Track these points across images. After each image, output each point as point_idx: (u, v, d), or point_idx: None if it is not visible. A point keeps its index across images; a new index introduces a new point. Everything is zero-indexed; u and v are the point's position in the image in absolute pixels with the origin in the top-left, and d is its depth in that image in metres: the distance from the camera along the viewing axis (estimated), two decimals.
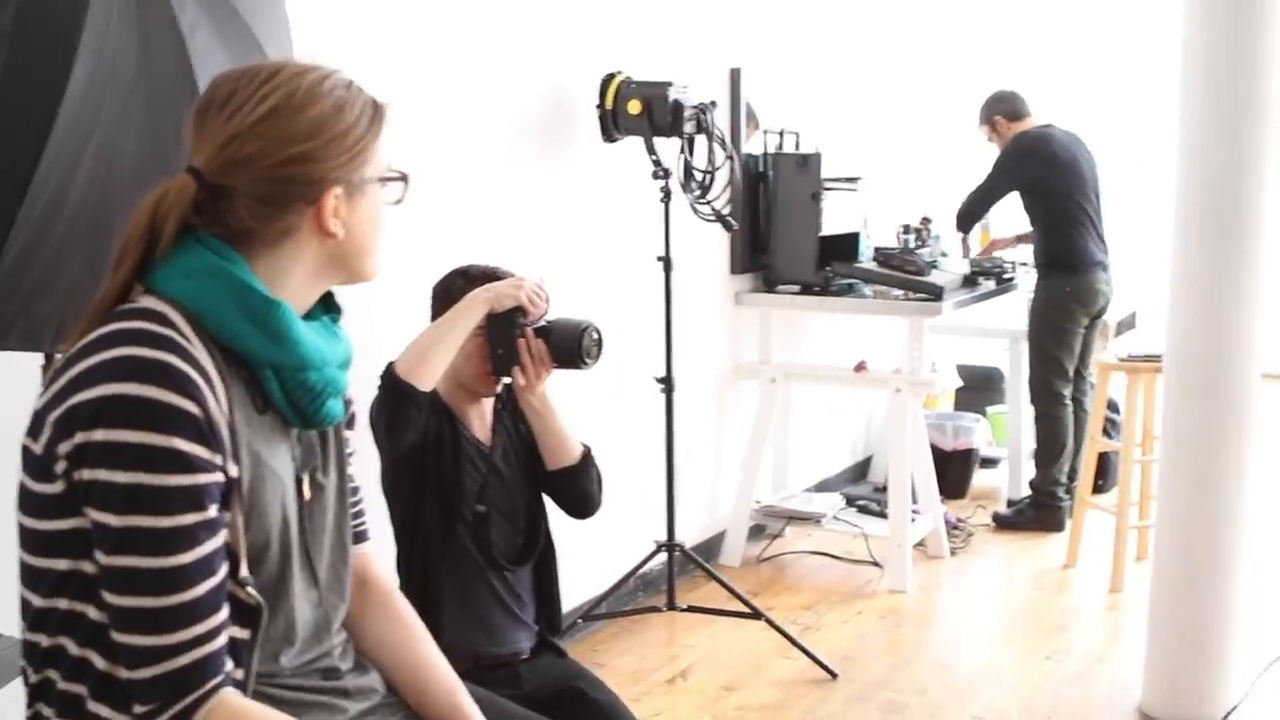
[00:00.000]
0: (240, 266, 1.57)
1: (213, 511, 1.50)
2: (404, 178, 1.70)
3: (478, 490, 2.74)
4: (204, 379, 1.50)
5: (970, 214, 5.81)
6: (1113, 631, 4.58)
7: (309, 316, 1.68)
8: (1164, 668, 3.79)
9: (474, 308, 2.62)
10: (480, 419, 2.82)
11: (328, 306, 1.74)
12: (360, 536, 1.87)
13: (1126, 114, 8.11)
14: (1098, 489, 5.47)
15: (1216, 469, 3.61)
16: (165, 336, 1.50)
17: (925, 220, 5.97)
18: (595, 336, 2.71)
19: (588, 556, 4.09)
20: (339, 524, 1.78)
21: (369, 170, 1.64)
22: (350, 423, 1.84)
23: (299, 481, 1.69)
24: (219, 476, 1.51)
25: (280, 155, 1.55)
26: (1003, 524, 5.73)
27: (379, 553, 1.95)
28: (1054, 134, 5.67)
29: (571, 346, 2.69)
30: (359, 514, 1.87)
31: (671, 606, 4.24)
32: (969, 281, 5.49)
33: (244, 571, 1.56)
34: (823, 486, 5.84)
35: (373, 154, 1.64)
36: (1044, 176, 5.60)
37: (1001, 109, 5.79)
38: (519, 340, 2.67)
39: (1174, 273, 3.65)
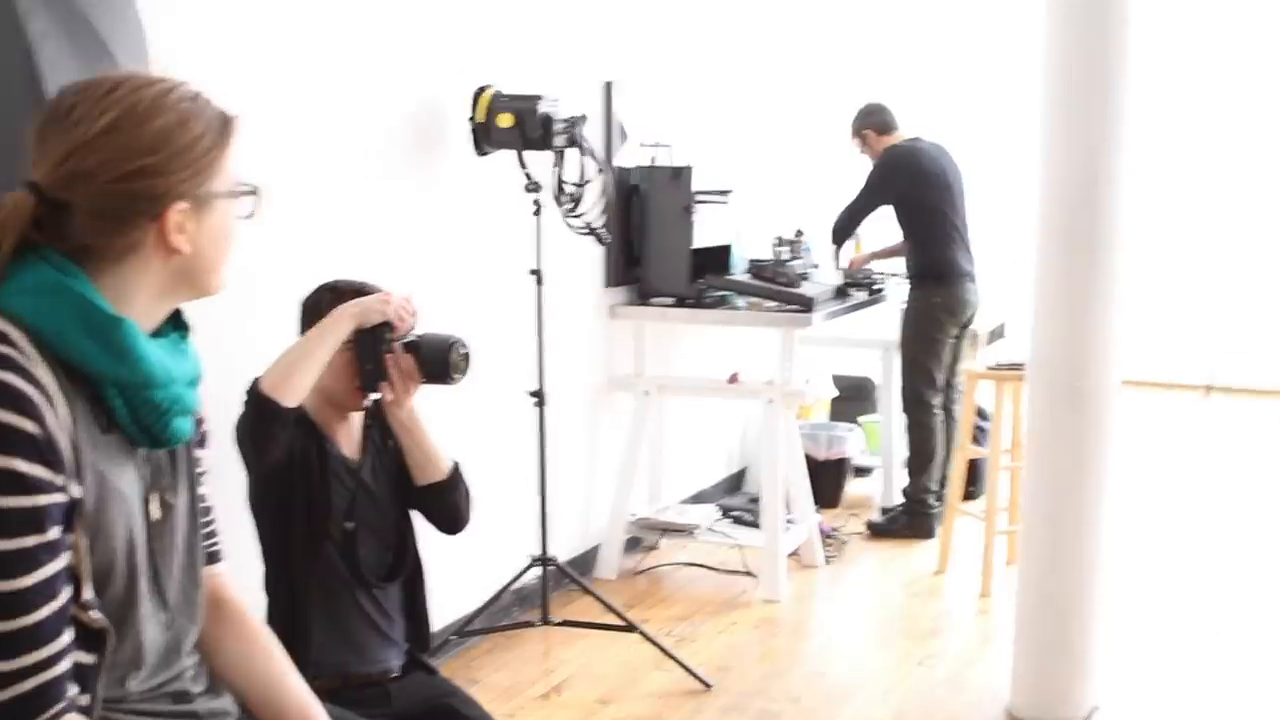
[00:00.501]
0: (82, 283, 1.53)
1: (54, 533, 1.46)
2: (254, 192, 1.67)
3: (346, 507, 2.70)
4: (45, 398, 1.46)
5: (844, 228, 5.89)
6: (982, 636, 4.66)
7: (158, 333, 1.64)
8: (1030, 670, 3.86)
9: (341, 323, 2.59)
10: (348, 435, 2.79)
11: (176, 323, 1.70)
12: (213, 557, 1.84)
13: (993, 126, 8.29)
14: (969, 496, 5.57)
15: (1079, 474, 3.69)
16: (3, 355, 1.46)
17: (799, 233, 6.04)
18: (463, 351, 2.69)
19: (462, 572, 4.07)
20: (190, 545, 1.74)
21: (216, 184, 1.60)
22: (202, 441, 1.80)
23: (146, 502, 1.65)
24: (60, 498, 1.47)
25: (122, 169, 1.52)
26: (876, 532, 5.80)
27: (233, 573, 1.91)
28: (921, 147, 5.78)
29: (439, 362, 2.68)
30: (211, 534, 1.83)
31: (546, 621, 4.22)
32: (840, 293, 5.56)
33: (88, 594, 1.52)
34: (699, 498, 5.87)
35: (220, 168, 1.60)
36: (912, 190, 5.70)
37: (871, 122, 5.88)
38: (386, 356, 2.65)
39: (1036, 283, 3.73)
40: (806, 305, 4.99)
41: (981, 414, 5.80)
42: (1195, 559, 5.56)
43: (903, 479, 5.94)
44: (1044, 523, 3.75)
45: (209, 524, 1.83)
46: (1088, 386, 3.64)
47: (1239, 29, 9.14)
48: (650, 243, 5.13)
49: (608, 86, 5.04)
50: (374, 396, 2.71)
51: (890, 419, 6.23)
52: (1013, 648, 3.90)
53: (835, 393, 6.83)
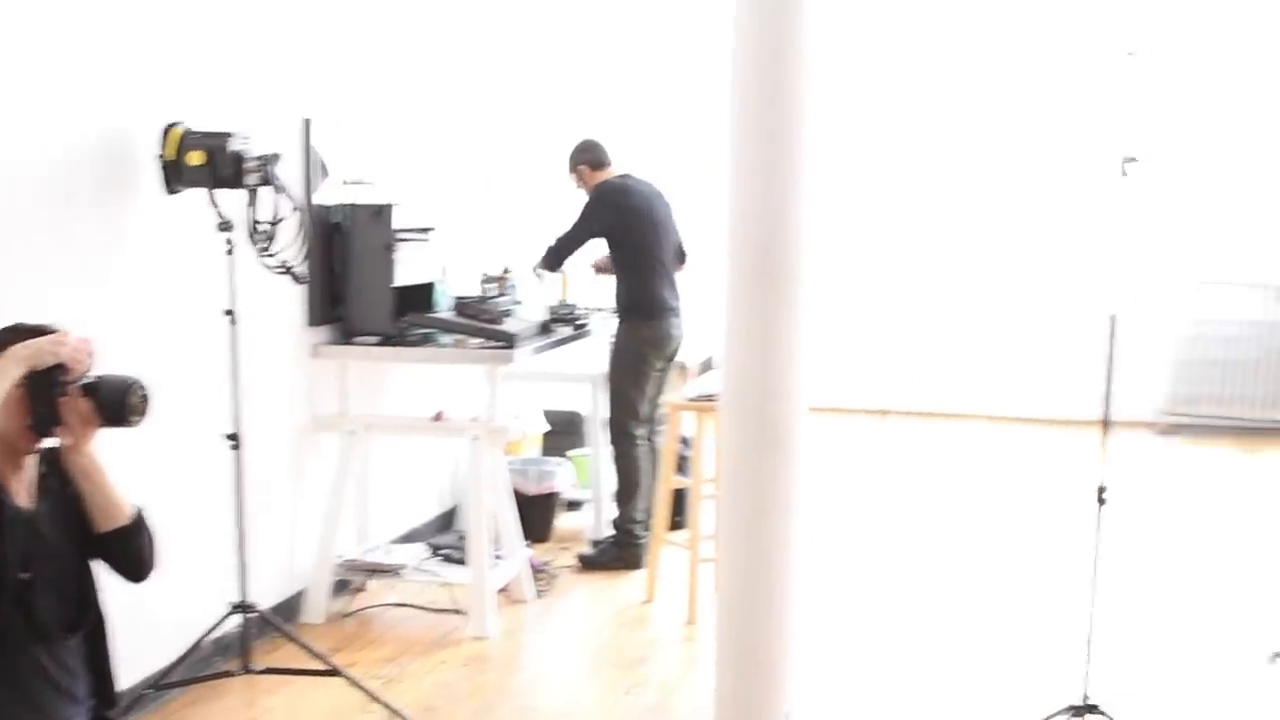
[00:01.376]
0: None
1: None
2: None
3: (20, 557, 2.59)
4: None
5: (556, 255, 5.96)
6: (688, 661, 4.77)
7: None
8: (732, 693, 3.95)
9: (9, 366, 2.50)
10: (21, 481, 2.68)
11: None
12: None
13: (699, 163, 8.54)
14: (675, 526, 5.70)
15: (770, 499, 3.81)
16: None
17: (506, 270, 6.08)
18: (141, 393, 2.63)
19: (159, 623, 3.95)
20: None
21: None
22: None
23: None
24: None
25: None
26: (587, 564, 5.87)
27: None
28: (630, 184, 5.93)
29: (117, 404, 2.61)
30: None
31: (248, 670, 4.12)
32: (545, 328, 5.62)
33: None
34: (410, 537, 5.82)
35: None
36: (620, 225, 5.84)
37: (586, 158, 6.02)
38: (61, 399, 2.56)
39: (727, 316, 3.84)
40: (509, 341, 5.03)
41: (687, 444, 5.94)
42: (880, 571, 5.86)
43: (613, 511, 6.03)
44: (739, 548, 3.86)
45: None
46: (777, 414, 3.77)
47: (911, 73, 9.76)
48: (352, 281, 5.09)
49: (306, 123, 4.98)
50: (50, 441, 2.62)
51: (599, 452, 6.32)
52: (715, 672, 4.01)
53: (546, 427, 6.90)
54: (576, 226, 5.93)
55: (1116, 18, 9.11)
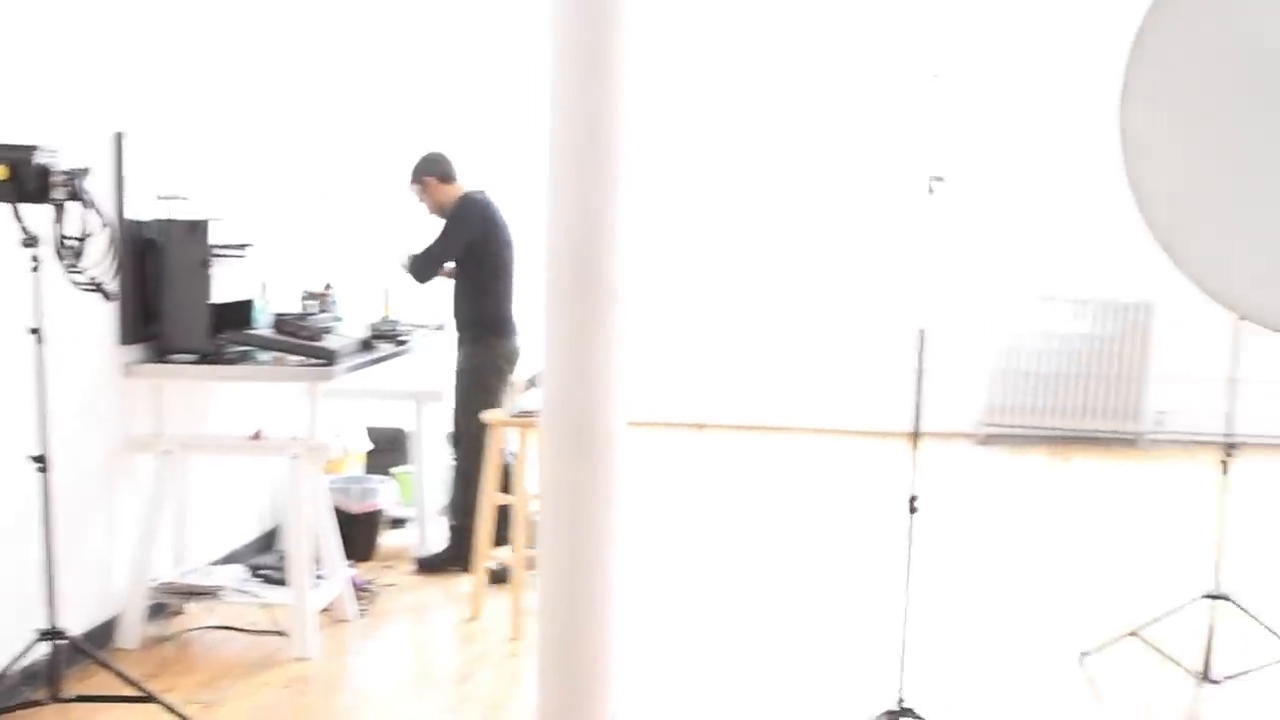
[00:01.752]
0: None
1: None
2: None
3: None
4: None
5: (425, 270, 5.93)
6: (513, 677, 4.76)
7: None
8: (555, 704, 3.97)
9: None
10: None
11: None
12: None
13: (515, 177, 8.56)
14: (501, 542, 5.69)
15: (590, 514, 3.84)
16: None
17: (327, 286, 6.02)
18: None
19: None
20: None
21: None
22: None
23: None
24: None
25: None
26: (425, 567, 5.93)
27: None
28: (491, 200, 5.96)
29: None
30: None
31: (57, 699, 4.00)
32: (366, 345, 5.57)
33: None
34: (231, 558, 5.71)
35: None
36: (483, 240, 5.88)
37: (436, 171, 6.02)
38: None
39: (546, 333, 3.87)
40: (329, 359, 4.98)
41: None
42: (702, 581, 5.92)
43: (438, 527, 6.02)
44: (561, 561, 3.88)
45: None
46: (596, 429, 3.81)
47: (727, 93, 9.95)
48: (167, 298, 4.98)
49: (118, 137, 4.87)
50: None
51: (423, 469, 6.29)
52: (538, 688, 4.02)
53: (369, 445, 6.84)
54: (446, 239, 5.90)
55: (923, 41, 9.41)
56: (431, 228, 6.11)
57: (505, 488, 5.73)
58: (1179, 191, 4.57)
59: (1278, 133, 4.40)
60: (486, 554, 5.39)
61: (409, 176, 6.09)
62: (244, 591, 5.09)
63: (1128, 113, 4.58)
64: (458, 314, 6.02)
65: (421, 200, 6.07)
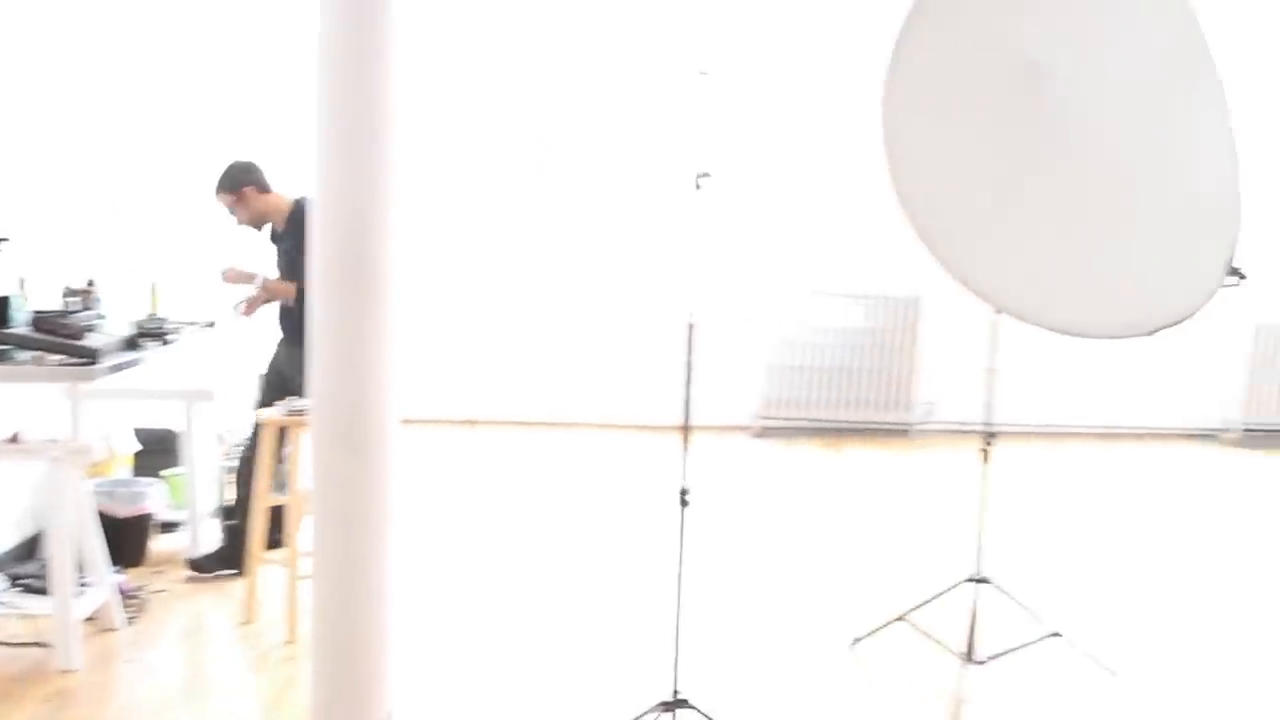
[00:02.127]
0: None
1: None
2: None
3: None
4: None
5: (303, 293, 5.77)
6: (288, 681, 4.68)
7: None
8: (328, 704, 3.91)
9: None
10: None
11: None
12: None
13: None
14: (274, 544, 5.59)
15: (363, 511, 3.80)
16: None
17: (90, 282, 5.80)
18: None
19: None
20: None
21: None
22: None
23: None
24: None
25: None
26: (197, 568, 5.81)
27: None
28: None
29: None
30: None
31: None
32: (131, 343, 5.40)
33: None
34: None
35: None
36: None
37: (253, 179, 5.91)
38: None
39: (316, 330, 3.81)
40: (92, 358, 4.81)
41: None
42: (476, 577, 5.95)
43: (210, 530, 5.88)
44: (334, 560, 3.82)
45: None
46: (367, 427, 3.77)
47: (498, 85, 9.99)
48: None
49: None
50: None
51: (195, 471, 6.12)
52: (312, 683, 3.96)
53: (138, 447, 6.64)
54: (295, 251, 5.69)
55: (689, 38, 9.57)
56: (243, 238, 5.97)
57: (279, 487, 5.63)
58: (937, 191, 4.74)
59: (1033, 133, 4.59)
60: (259, 555, 5.29)
61: (218, 185, 5.89)
62: (2, 602, 4.89)
63: (888, 113, 4.73)
64: (287, 318, 5.89)
65: (233, 211, 5.89)
